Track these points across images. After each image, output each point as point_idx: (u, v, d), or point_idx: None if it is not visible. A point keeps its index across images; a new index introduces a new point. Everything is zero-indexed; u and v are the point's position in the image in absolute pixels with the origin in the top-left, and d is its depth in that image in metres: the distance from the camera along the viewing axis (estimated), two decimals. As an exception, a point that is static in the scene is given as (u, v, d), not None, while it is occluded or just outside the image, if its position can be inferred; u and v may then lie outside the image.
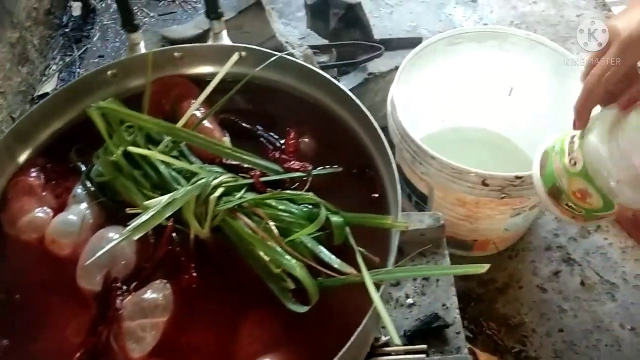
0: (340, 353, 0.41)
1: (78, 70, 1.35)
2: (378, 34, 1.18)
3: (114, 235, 0.51)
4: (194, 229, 0.51)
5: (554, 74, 0.95)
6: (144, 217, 0.48)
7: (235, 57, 0.58)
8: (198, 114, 0.58)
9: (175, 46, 0.63)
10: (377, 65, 1.07)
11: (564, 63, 0.91)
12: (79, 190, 0.56)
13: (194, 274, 0.50)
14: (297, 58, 0.98)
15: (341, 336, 0.42)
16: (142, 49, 0.65)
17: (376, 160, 0.56)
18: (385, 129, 0.92)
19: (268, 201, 0.51)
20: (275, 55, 0.59)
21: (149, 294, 0.49)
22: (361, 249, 0.49)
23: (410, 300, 0.70)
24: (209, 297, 0.50)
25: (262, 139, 0.60)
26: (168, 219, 0.50)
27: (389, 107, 0.89)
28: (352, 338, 0.42)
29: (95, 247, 0.50)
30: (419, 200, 0.95)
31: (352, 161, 0.57)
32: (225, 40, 0.67)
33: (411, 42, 1.11)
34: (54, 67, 1.37)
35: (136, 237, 0.47)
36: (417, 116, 1.02)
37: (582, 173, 0.49)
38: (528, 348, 0.93)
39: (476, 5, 1.45)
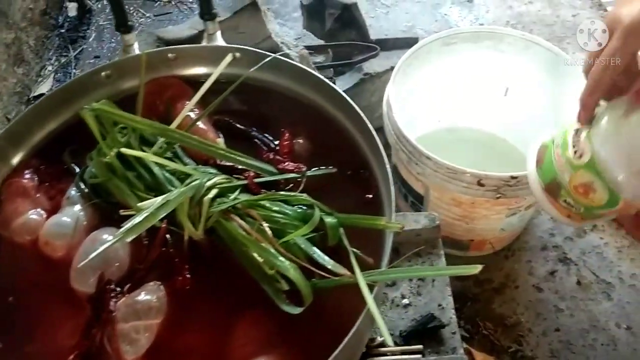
0: (334, 354, 0.41)
1: (74, 70, 1.35)
2: (374, 34, 1.18)
3: (107, 237, 0.51)
4: (188, 231, 0.51)
5: (549, 74, 0.95)
6: (137, 219, 0.48)
7: (229, 58, 0.58)
8: (192, 115, 0.58)
9: (169, 47, 0.63)
10: (373, 65, 1.07)
11: (559, 63, 0.92)
12: (72, 191, 0.56)
13: (188, 276, 0.50)
14: (292, 59, 0.98)
15: (336, 337, 0.42)
16: (136, 50, 0.65)
17: (370, 161, 0.56)
18: (381, 130, 0.92)
19: (262, 202, 0.51)
20: (269, 56, 0.59)
21: (142, 296, 0.48)
22: (355, 250, 0.49)
23: (406, 301, 0.70)
24: (203, 299, 0.50)
25: (256, 140, 0.60)
26: (162, 220, 0.50)
27: (384, 108, 0.90)
28: (346, 339, 0.42)
29: (89, 249, 0.50)
30: (415, 201, 0.95)
31: (346, 162, 0.57)
32: (220, 41, 0.67)
33: (407, 42, 1.11)
34: (50, 67, 1.37)
35: (129, 239, 0.47)
36: (413, 116, 1.02)
37: (589, 165, 0.47)
38: (524, 348, 0.93)
39: (472, 5, 1.46)
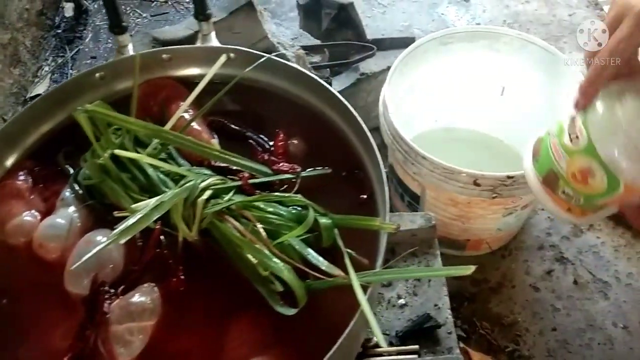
0: (328, 355, 0.41)
1: (70, 71, 1.35)
2: (371, 33, 1.18)
3: (101, 239, 0.51)
4: (182, 232, 0.51)
5: (545, 74, 0.95)
6: (131, 221, 0.47)
7: (222, 58, 0.57)
8: (186, 116, 0.58)
9: (163, 48, 0.63)
10: (370, 65, 1.07)
11: (555, 62, 0.92)
12: (67, 193, 0.56)
13: (182, 277, 0.50)
14: (289, 59, 0.98)
15: (330, 338, 0.42)
16: (130, 51, 0.65)
17: (365, 162, 0.55)
18: (377, 129, 0.92)
19: (256, 203, 0.51)
20: (263, 56, 0.59)
21: (136, 298, 0.48)
22: (350, 251, 0.49)
23: (402, 301, 0.70)
24: (197, 300, 0.50)
25: (251, 140, 0.60)
26: (156, 222, 0.50)
27: (380, 108, 0.89)
28: (340, 340, 0.42)
29: (83, 251, 0.50)
30: (412, 201, 0.95)
31: (341, 162, 0.57)
32: (214, 41, 0.67)
33: (404, 42, 1.10)
34: (46, 68, 1.37)
35: (123, 241, 0.47)
36: (410, 116, 1.02)
37: (586, 149, 0.46)
38: (521, 347, 0.93)
39: (469, 5, 1.46)
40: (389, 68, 0.91)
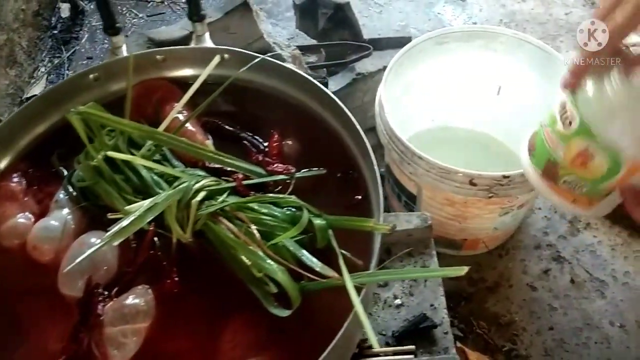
0: (322, 357, 0.41)
1: (67, 72, 1.35)
2: (367, 33, 1.18)
3: (95, 241, 0.51)
4: (176, 234, 0.50)
5: (542, 73, 0.95)
6: (124, 222, 0.47)
7: (216, 59, 0.57)
8: (180, 117, 0.58)
9: (157, 49, 0.62)
10: (366, 65, 1.07)
11: (551, 61, 0.92)
12: (61, 195, 0.56)
13: (176, 279, 0.50)
14: (285, 59, 0.98)
15: (325, 339, 0.42)
16: (125, 52, 0.65)
17: (359, 162, 0.55)
18: (374, 129, 0.92)
19: (250, 205, 0.51)
20: (257, 57, 0.59)
21: (130, 300, 0.48)
22: (344, 252, 0.49)
23: (398, 301, 0.70)
24: (191, 302, 0.50)
25: (245, 141, 0.60)
26: (150, 223, 0.50)
27: (376, 108, 0.89)
28: (334, 342, 0.41)
29: (77, 253, 0.50)
30: (408, 200, 0.95)
31: (335, 163, 0.57)
32: (208, 42, 0.67)
33: (400, 42, 1.10)
34: (43, 69, 1.37)
35: (116, 243, 0.47)
36: (406, 116, 1.02)
37: (580, 130, 0.45)
38: (518, 346, 0.93)
39: (465, 4, 1.46)
40: (385, 68, 0.91)
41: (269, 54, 0.60)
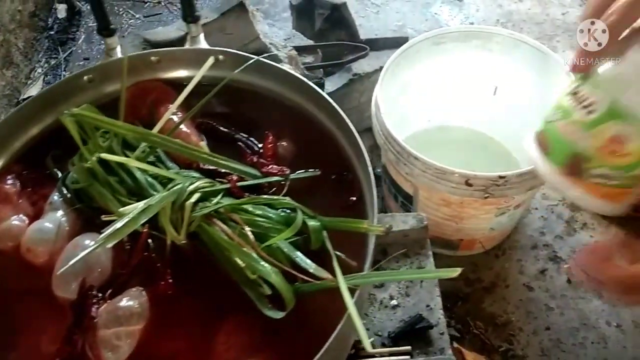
0: (315, 358, 0.41)
1: (63, 73, 1.34)
2: (364, 34, 1.18)
3: (89, 243, 0.50)
4: (170, 236, 0.50)
5: (538, 73, 0.95)
6: (118, 224, 0.47)
7: (210, 61, 0.57)
8: (175, 118, 0.58)
9: (151, 50, 0.62)
10: (362, 65, 1.07)
11: (548, 62, 0.92)
12: (55, 197, 0.56)
13: (170, 281, 0.50)
14: (281, 59, 0.98)
15: (320, 341, 0.42)
16: (119, 53, 0.64)
17: (354, 164, 0.55)
18: (371, 130, 0.92)
19: (245, 206, 0.51)
20: (252, 58, 0.59)
21: (124, 302, 0.48)
22: (339, 253, 0.48)
23: (394, 302, 0.70)
24: (185, 304, 0.50)
25: (240, 142, 0.60)
26: (144, 225, 0.50)
27: (373, 108, 0.89)
28: (327, 344, 0.41)
29: (71, 255, 0.50)
30: (405, 201, 0.95)
31: (330, 164, 0.57)
32: (203, 43, 0.66)
33: (397, 42, 1.10)
34: (39, 70, 1.36)
35: (110, 245, 0.47)
36: (403, 116, 1.02)
37: (609, 112, 0.41)
38: (515, 347, 0.93)
39: (462, 4, 1.46)
40: (381, 68, 0.91)
41: (265, 55, 0.60)
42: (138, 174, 0.53)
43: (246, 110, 0.63)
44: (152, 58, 0.62)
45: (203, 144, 0.58)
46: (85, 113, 0.52)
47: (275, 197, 0.53)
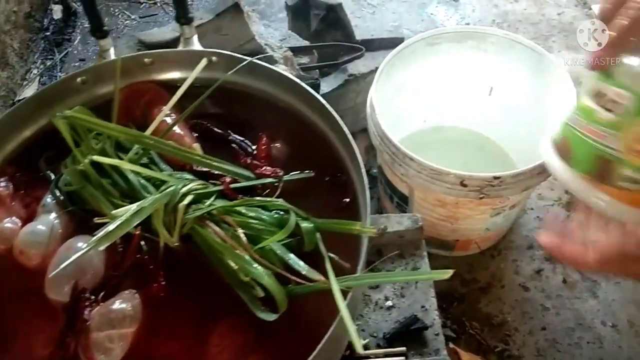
0: (308, 361, 0.41)
1: (59, 74, 1.34)
2: (360, 34, 1.18)
3: (82, 245, 0.50)
4: (163, 238, 0.50)
5: (533, 73, 0.95)
6: (110, 227, 0.47)
7: (203, 63, 0.57)
8: (168, 120, 0.58)
9: (145, 52, 0.62)
10: (358, 66, 1.07)
11: (543, 62, 0.92)
12: (48, 199, 0.56)
13: (163, 283, 0.50)
14: (277, 60, 0.98)
15: (313, 343, 0.42)
16: (112, 55, 0.64)
17: (347, 165, 0.55)
18: (367, 131, 0.92)
19: (238, 208, 0.51)
20: (245, 60, 0.59)
21: (117, 305, 0.48)
22: (332, 255, 0.48)
23: (389, 303, 0.70)
24: (178, 306, 0.49)
25: (234, 144, 0.60)
26: (137, 227, 0.50)
27: (368, 109, 0.89)
28: (319, 346, 0.41)
29: (64, 258, 0.49)
30: (401, 202, 0.95)
31: (324, 166, 0.57)
32: (196, 45, 0.66)
33: (393, 43, 1.10)
34: (35, 71, 1.36)
35: (102, 247, 0.46)
36: (399, 117, 1.02)
37: (636, 109, 0.39)
38: (511, 347, 0.93)
39: (458, 5, 1.46)
40: (377, 69, 0.91)
41: (260, 56, 0.60)
42: (131, 176, 0.53)
43: (240, 111, 0.63)
44: (146, 60, 0.62)
45: (196, 145, 0.58)
46: (78, 115, 0.52)
47: (268, 198, 0.53)
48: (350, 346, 0.57)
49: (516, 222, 1.06)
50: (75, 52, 1.37)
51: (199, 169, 0.56)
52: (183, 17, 0.64)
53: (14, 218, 0.55)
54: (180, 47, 0.67)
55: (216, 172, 0.55)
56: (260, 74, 0.61)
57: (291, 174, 0.56)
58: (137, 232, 0.50)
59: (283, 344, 0.48)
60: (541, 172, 0.80)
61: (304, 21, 1.19)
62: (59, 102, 0.61)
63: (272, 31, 1.11)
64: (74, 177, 0.53)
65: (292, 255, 0.48)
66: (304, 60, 1.08)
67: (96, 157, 0.51)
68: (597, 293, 0.98)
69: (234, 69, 0.58)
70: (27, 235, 0.53)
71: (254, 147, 0.59)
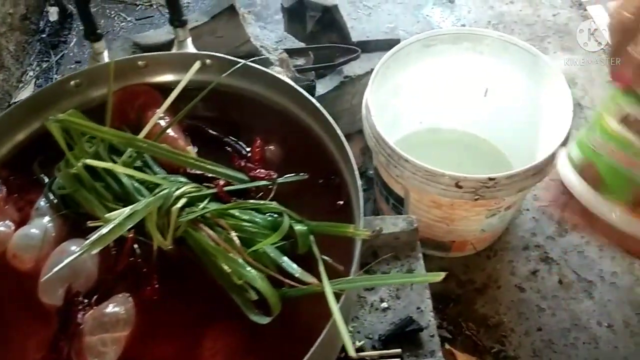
0: (301, 364, 0.41)
1: (55, 76, 1.34)
2: (356, 36, 1.18)
3: (76, 249, 0.50)
4: (157, 241, 0.50)
5: (528, 75, 0.95)
6: (103, 230, 0.47)
7: (196, 65, 0.57)
8: (162, 123, 0.58)
9: (138, 55, 0.62)
10: (353, 68, 1.07)
11: (538, 63, 0.92)
12: (42, 203, 0.56)
13: (157, 286, 0.50)
14: (272, 62, 0.98)
15: (307, 346, 0.42)
16: (106, 58, 0.64)
17: (341, 168, 0.55)
18: (362, 132, 0.92)
19: (231, 211, 0.51)
20: (239, 62, 0.59)
21: (110, 308, 0.48)
22: (325, 257, 0.48)
23: (385, 304, 0.70)
24: (172, 309, 0.49)
25: (228, 146, 0.60)
26: (130, 230, 0.49)
27: (363, 111, 0.89)
28: (312, 349, 0.41)
29: (57, 261, 0.49)
30: (396, 203, 0.95)
31: (317, 168, 0.57)
32: (190, 47, 0.66)
33: (389, 44, 1.10)
34: (31, 73, 1.36)
35: (95, 251, 0.46)
36: (395, 118, 1.02)
37: None
38: (507, 348, 0.93)
39: (454, 6, 1.46)
40: (373, 70, 0.91)
41: (254, 58, 0.60)
42: (124, 180, 0.53)
43: (234, 114, 0.63)
44: (139, 62, 0.62)
45: (190, 148, 0.58)
46: (71, 119, 0.52)
47: (262, 201, 0.53)
48: (344, 348, 0.57)
49: (512, 223, 1.07)
50: (71, 54, 1.36)
51: (193, 171, 0.56)
52: (177, 19, 0.64)
53: (7, 221, 0.55)
54: (174, 50, 0.67)
55: (210, 174, 0.55)
56: (254, 76, 0.61)
57: (285, 176, 0.57)
58: (131, 236, 0.50)
59: (276, 347, 0.48)
60: (536, 173, 0.80)
61: (299, 23, 1.19)
62: (52, 105, 0.61)
63: (268, 33, 1.11)
64: (67, 181, 0.53)
65: (285, 258, 0.48)
66: (300, 62, 1.08)
67: (89, 161, 0.51)
68: (592, 294, 0.98)
69: (228, 72, 0.58)
70: (20, 239, 0.53)
71: (248, 149, 0.59)
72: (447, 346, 0.87)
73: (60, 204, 0.55)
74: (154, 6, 1.45)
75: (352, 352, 0.38)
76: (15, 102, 1.26)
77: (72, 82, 0.61)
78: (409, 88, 1.01)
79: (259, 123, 0.62)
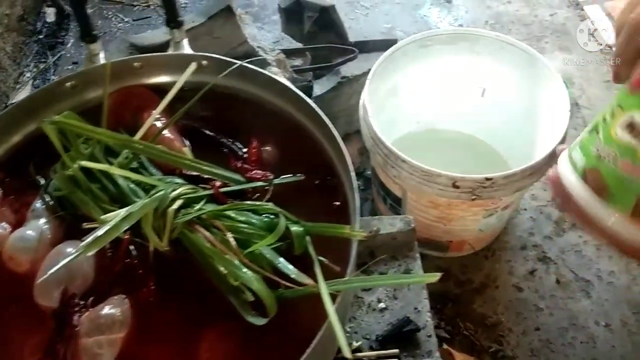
0: (297, 365, 0.41)
1: (53, 77, 1.33)
2: (354, 36, 1.18)
3: (72, 251, 0.50)
4: (153, 242, 0.50)
5: (524, 75, 0.95)
6: (99, 232, 0.47)
7: (192, 67, 0.57)
8: (158, 124, 0.57)
9: (134, 56, 0.62)
10: (351, 68, 1.07)
11: (534, 63, 0.92)
12: (37, 204, 0.56)
13: (153, 287, 0.50)
14: (269, 63, 0.98)
15: (304, 347, 0.42)
16: (102, 59, 0.64)
17: (337, 168, 0.55)
18: (360, 132, 0.92)
19: (227, 212, 0.51)
20: (235, 63, 0.59)
21: (106, 310, 0.48)
22: (322, 258, 0.48)
23: (382, 305, 0.70)
24: (168, 311, 0.49)
25: (224, 147, 0.60)
26: (126, 232, 0.49)
27: (360, 111, 0.90)
28: (308, 350, 0.41)
29: (53, 263, 0.49)
30: (394, 203, 0.95)
31: (314, 169, 0.57)
32: (186, 48, 0.66)
33: (386, 44, 1.10)
34: (28, 74, 1.35)
35: (91, 253, 0.46)
36: (392, 118, 1.02)
37: None
38: (505, 347, 0.93)
39: (451, 6, 1.46)
40: (370, 71, 0.91)
41: (251, 59, 0.60)
42: (120, 181, 0.53)
43: (230, 115, 0.63)
44: (135, 64, 0.62)
45: (186, 149, 0.58)
46: (66, 120, 0.52)
47: (258, 202, 0.52)
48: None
49: (510, 223, 1.07)
50: (69, 55, 1.36)
51: (189, 173, 0.56)
52: (173, 20, 0.64)
53: (3, 223, 0.55)
54: (170, 51, 0.67)
55: (206, 176, 0.55)
56: (251, 77, 0.61)
57: (281, 177, 0.57)
58: (127, 237, 0.50)
59: (273, 348, 0.47)
60: (533, 173, 0.81)
61: (297, 23, 1.19)
62: (48, 106, 0.61)
63: (265, 34, 1.11)
64: (63, 183, 0.53)
65: (281, 259, 0.48)
66: (297, 62, 1.08)
67: (85, 163, 0.51)
68: (590, 293, 0.99)
69: (224, 73, 0.58)
70: (16, 241, 0.53)
71: (244, 150, 0.59)
72: (444, 346, 0.87)
73: (57, 205, 0.55)
74: (152, 7, 1.45)
75: (347, 354, 0.38)
76: (12, 104, 1.26)
77: (67, 84, 0.61)
78: (406, 88, 1.01)
79: (255, 124, 0.62)
